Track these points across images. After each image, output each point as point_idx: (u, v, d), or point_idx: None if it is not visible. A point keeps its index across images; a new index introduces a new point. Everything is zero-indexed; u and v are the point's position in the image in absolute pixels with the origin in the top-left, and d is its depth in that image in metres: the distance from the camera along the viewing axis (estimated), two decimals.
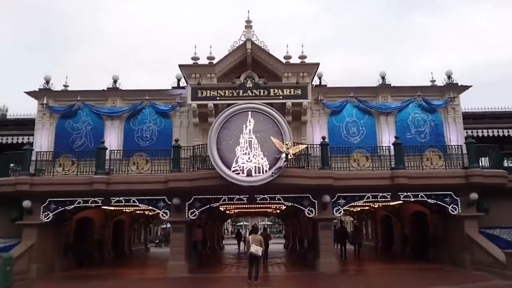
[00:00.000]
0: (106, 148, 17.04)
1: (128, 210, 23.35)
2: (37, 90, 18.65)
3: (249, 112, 15.52)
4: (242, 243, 33.47)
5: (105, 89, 19.00)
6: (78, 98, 18.48)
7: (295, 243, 27.71)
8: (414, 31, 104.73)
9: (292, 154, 15.16)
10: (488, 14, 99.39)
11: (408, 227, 22.89)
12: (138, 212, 25.27)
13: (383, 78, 19.16)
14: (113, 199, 16.91)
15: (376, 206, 23.24)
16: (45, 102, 18.47)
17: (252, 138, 15.28)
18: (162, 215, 16.96)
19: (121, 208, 21.06)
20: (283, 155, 14.91)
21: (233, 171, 15.01)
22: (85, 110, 18.67)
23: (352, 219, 38.82)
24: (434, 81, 19.75)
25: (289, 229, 33.48)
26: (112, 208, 20.78)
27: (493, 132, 22.57)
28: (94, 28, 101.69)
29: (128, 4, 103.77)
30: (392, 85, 19.11)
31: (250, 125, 15.39)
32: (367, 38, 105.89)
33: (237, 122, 15.46)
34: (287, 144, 15.04)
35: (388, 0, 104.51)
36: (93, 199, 16.87)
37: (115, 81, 19.02)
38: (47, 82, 18.79)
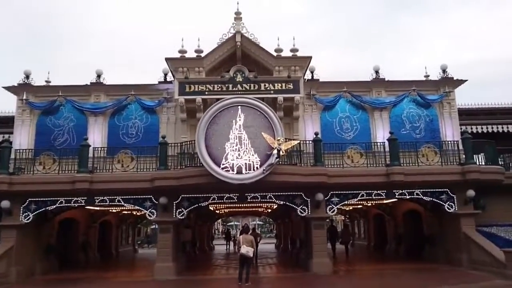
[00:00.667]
0: (89, 145, 16.28)
1: (115, 210, 22.58)
2: (16, 85, 17.76)
3: (239, 107, 14.87)
4: (231, 243, 33.32)
5: (88, 84, 18.16)
6: (60, 94, 17.64)
7: (287, 243, 27.16)
8: (404, 32, 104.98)
9: (284, 150, 14.55)
10: (477, 15, 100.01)
11: (402, 226, 22.49)
12: (126, 212, 24.53)
13: (376, 72, 18.65)
14: (97, 199, 16.14)
15: (369, 204, 22.80)
16: (24, 97, 17.59)
17: (242, 133, 14.63)
18: (148, 215, 16.26)
19: (107, 208, 20.33)
20: (275, 152, 14.29)
21: (223, 168, 14.36)
22: (67, 106, 17.85)
23: (343, 218, 38.46)
24: (428, 76, 19.27)
25: (280, 228, 32.91)
26: (98, 208, 20.12)
27: (487, 128, 22.36)
28: (81, 29, 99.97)
29: (115, 4, 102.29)
30: (386, 79, 18.57)
31: (240, 120, 14.75)
32: (356, 40, 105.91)
33: (226, 117, 14.81)
34: (278, 140, 14.43)
35: (377, 2, 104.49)
36: (75, 198, 16.08)
37: (98, 76, 18.21)
38: (27, 76, 17.92)
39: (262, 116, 14.80)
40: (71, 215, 19.80)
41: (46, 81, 18.49)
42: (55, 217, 18.11)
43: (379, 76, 18.61)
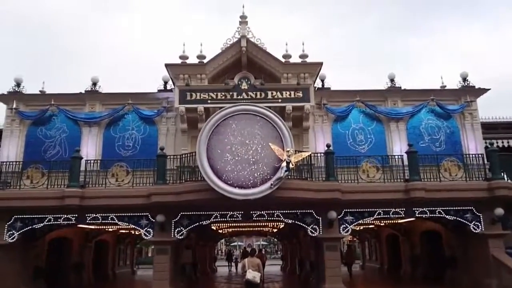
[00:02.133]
0: (81, 158, 14.98)
1: (111, 229, 21.14)
2: (5, 93, 16.61)
3: (244, 115, 13.58)
4: (233, 264, 32.60)
5: (83, 92, 16.98)
6: (52, 102, 16.45)
7: (294, 265, 25.51)
8: (408, 53, 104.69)
9: (294, 163, 13.17)
10: (478, 36, 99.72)
11: (418, 247, 20.90)
12: (123, 231, 23.09)
13: (392, 80, 17.39)
14: (89, 216, 14.76)
15: (382, 224, 21.33)
16: (14, 106, 16.43)
17: (247, 144, 13.29)
18: (144, 234, 14.83)
19: (102, 227, 18.90)
20: (284, 164, 12.93)
21: (226, 183, 12.98)
22: (60, 116, 16.69)
23: (349, 238, 36.83)
24: (445, 86, 18.00)
25: (287, 249, 31.26)
26: (93, 227, 18.69)
27: (508, 142, 21.00)
28: (85, 45, 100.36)
29: (117, 20, 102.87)
30: (402, 88, 17.30)
31: (245, 129, 13.41)
32: (360, 60, 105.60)
33: (231, 126, 13.50)
34: (288, 151, 13.10)
35: (380, 23, 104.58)
36: (65, 216, 14.71)
37: (94, 84, 17.05)
38: (18, 84, 16.81)
39: (269, 125, 13.50)
40: (63, 233, 18.39)
41: (40, 91, 17.38)
42: (44, 236, 16.70)
43: (394, 84, 17.35)
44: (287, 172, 12.96)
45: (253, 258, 11.91)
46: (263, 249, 53.81)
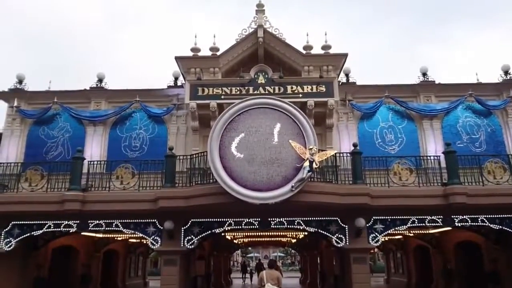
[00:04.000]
0: (84, 159, 13.74)
1: (120, 238, 19.87)
2: (6, 90, 15.59)
3: (262, 109, 12.15)
4: (247, 275, 32.21)
5: (88, 89, 15.85)
6: (55, 100, 15.35)
7: (315, 278, 23.78)
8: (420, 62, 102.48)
9: (318, 162, 11.64)
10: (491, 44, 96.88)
11: (453, 260, 18.99)
12: (134, 240, 21.78)
13: (424, 74, 15.76)
14: (91, 223, 13.43)
15: (412, 234, 19.55)
16: (15, 104, 15.39)
17: (265, 142, 11.84)
18: (151, 243, 13.42)
19: (111, 235, 17.65)
20: (306, 164, 11.40)
21: (241, 185, 11.51)
22: (63, 115, 15.59)
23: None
24: (480, 83, 16.28)
25: (306, 261, 29.52)
26: (100, 235, 17.42)
27: None
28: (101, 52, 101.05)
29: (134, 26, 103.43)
30: (436, 82, 15.66)
31: (262, 125, 11.98)
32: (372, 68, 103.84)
33: (246, 121, 12.08)
34: (311, 149, 11.57)
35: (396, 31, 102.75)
36: (66, 222, 13.43)
37: (100, 80, 15.91)
38: (20, 81, 15.78)
39: (289, 121, 12.03)
40: (68, 242, 17.17)
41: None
42: (47, 244, 15.47)
43: (427, 78, 15.70)
44: (310, 173, 11.44)
45: (272, 271, 10.38)
46: (279, 261, 52.00)
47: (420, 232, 17.85)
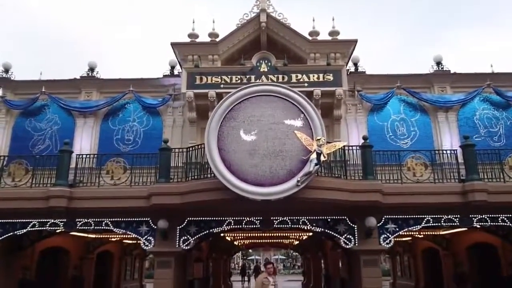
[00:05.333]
0: (72, 152, 12.71)
1: (114, 239, 18.84)
2: None
3: (264, 97, 11.13)
4: (246, 278, 31.80)
5: (78, 78, 14.84)
6: (43, 90, 14.35)
7: (319, 282, 22.71)
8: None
9: (326, 155, 10.60)
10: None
11: (465, 264, 17.95)
12: (130, 241, 20.74)
13: (438, 64, 14.73)
14: (79, 221, 12.39)
15: (421, 235, 18.53)
16: (0, 94, 14.41)
17: (268, 132, 10.82)
18: (144, 243, 12.38)
19: (104, 235, 16.69)
20: (313, 156, 10.37)
21: (241, 180, 10.48)
22: (52, 106, 14.57)
23: None
24: (499, 72, 15.26)
25: (309, 264, 28.51)
26: (93, 235, 16.60)
27: None
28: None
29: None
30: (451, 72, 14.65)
31: (265, 114, 10.96)
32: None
33: (247, 110, 11.06)
34: (318, 140, 10.53)
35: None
36: (52, 221, 12.39)
37: (91, 69, 14.91)
38: (6, 70, 14.79)
39: (295, 109, 11.00)
40: (58, 243, 16.18)
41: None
42: (33, 245, 14.46)
43: (442, 67, 14.68)
44: (317, 166, 10.40)
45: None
46: (281, 264, 50.98)
47: (430, 233, 16.91)
